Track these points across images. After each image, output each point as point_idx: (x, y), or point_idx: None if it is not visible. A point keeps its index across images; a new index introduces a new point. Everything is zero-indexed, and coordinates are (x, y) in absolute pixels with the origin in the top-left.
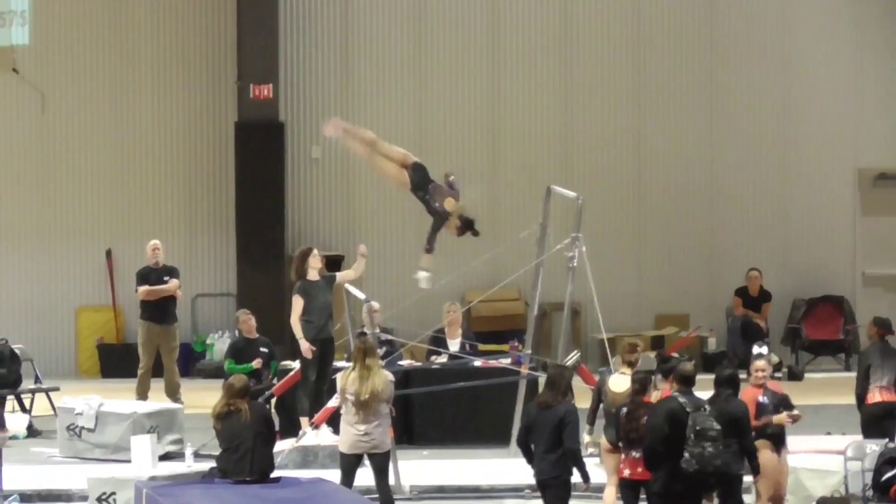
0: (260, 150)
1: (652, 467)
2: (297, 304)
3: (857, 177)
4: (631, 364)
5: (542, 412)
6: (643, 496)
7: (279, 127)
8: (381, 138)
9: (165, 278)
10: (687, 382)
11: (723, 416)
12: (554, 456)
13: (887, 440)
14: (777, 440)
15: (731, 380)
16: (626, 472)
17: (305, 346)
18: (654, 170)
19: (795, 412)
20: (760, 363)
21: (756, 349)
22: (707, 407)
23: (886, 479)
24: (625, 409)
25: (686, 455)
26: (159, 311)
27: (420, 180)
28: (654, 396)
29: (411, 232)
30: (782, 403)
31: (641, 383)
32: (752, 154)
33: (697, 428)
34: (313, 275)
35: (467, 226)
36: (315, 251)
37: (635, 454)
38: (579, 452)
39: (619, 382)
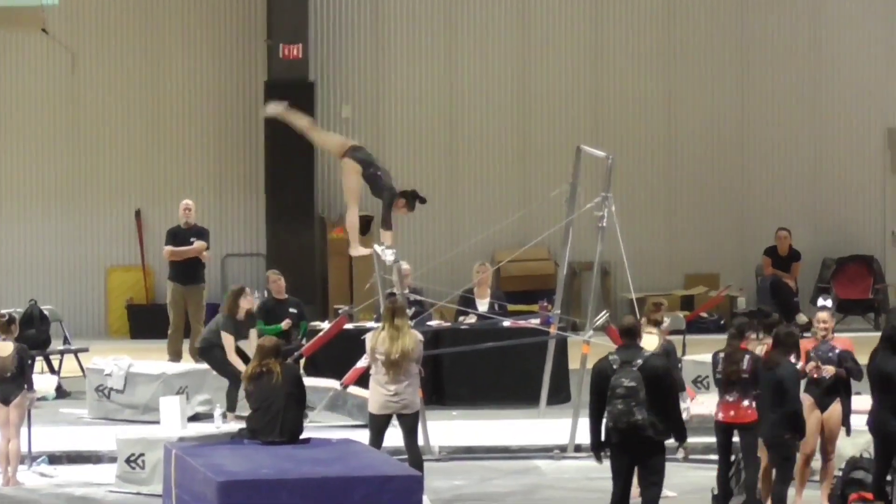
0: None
1: (591, 428)
2: (229, 340)
3: (888, 136)
4: (656, 323)
5: (767, 371)
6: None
7: (309, 86)
8: (316, 127)
9: (192, 239)
10: (627, 334)
11: (644, 374)
12: (775, 416)
13: None
14: (830, 393)
15: (627, 331)
16: (720, 416)
17: (240, 364)
18: (685, 129)
19: (829, 367)
20: (822, 314)
21: (820, 301)
22: (639, 361)
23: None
24: (723, 354)
25: (606, 412)
26: (185, 271)
27: (367, 157)
28: (756, 351)
29: (440, 192)
30: (842, 358)
31: (738, 328)
32: (783, 113)
33: (612, 385)
34: (241, 315)
35: (412, 198)
36: (247, 291)
37: (729, 398)
38: (800, 413)
39: (646, 341)
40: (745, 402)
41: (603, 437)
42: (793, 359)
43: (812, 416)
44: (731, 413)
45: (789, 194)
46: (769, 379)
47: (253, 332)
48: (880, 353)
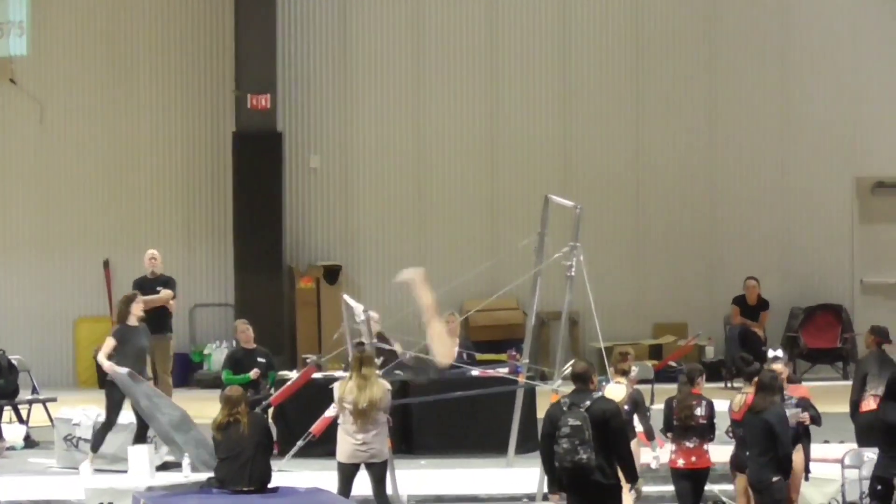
0: (258, 159)
1: (546, 472)
2: (109, 344)
3: (856, 185)
4: (623, 372)
5: (754, 416)
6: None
7: (277, 137)
8: (435, 311)
9: (158, 288)
10: (579, 379)
11: (592, 416)
12: (763, 460)
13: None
14: (793, 441)
15: (578, 376)
16: (681, 462)
17: (108, 365)
18: (654, 179)
19: (804, 414)
20: (777, 366)
21: (771, 353)
22: (587, 403)
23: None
24: (675, 401)
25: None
26: (152, 321)
27: None
28: (736, 400)
29: (408, 241)
30: (800, 406)
31: (689, 374)
32: (751, 162)
33: (558, 427)
34: (133, 321)
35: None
36: (139, 298)
37: (689, 444)
38: (790, 456)
39: (614, 391)
40: (705, 447)
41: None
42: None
43: None
44: (693, 459)
45: (758, 243)
46: (756, 424)
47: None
48: (885, 403)
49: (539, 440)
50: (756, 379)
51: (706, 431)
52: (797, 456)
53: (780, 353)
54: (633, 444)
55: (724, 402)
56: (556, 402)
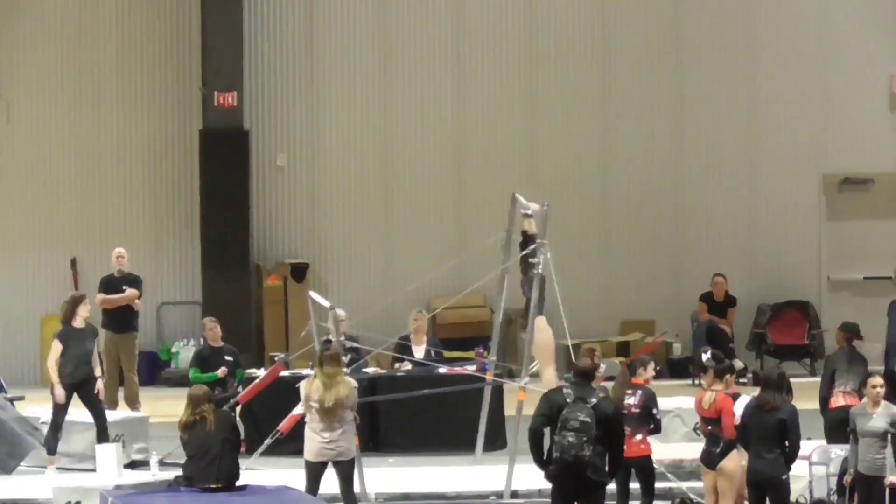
0: (225, 157)
1: (532, 449)
2: (56, 349)
3: (823, 181)
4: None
5: (766, 414)
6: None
7: (244, 135)
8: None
9: (124, 287)
10: (583, 376)
11: (597, 414)
12: (772, 457)
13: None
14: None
15: (583, 373)
16: None
17: (59, 393)
18: (620, 176)
19: None
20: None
21: (705, 357)
22: (593, 400)
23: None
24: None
25: (553, 442)
26: (117, 319)
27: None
28: (706, 398)
29: (375, 239)
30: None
31: (630, 365)
32: (718, 159)
33: (564, 418)
34: (79, 322)
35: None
36: (86, 299)
37: None
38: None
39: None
40: (638, 437)
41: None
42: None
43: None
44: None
45: (725, 240)
46: (767, 421)
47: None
48: None
49: (532, 420)
50: (765, 374)
51: (640, 421)
52: (737, 457)
53: (709, 353)
54: None
55: (690, 399)
56: (557, 389)
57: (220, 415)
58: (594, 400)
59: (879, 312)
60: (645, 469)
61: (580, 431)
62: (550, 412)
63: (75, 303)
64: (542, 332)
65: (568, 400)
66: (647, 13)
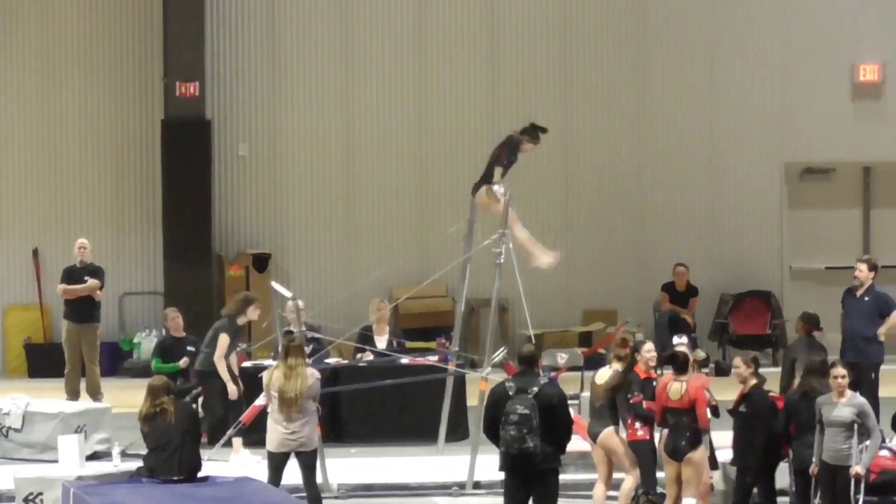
0: (187, 147)
1: (494, 443)
2: (224, 343)
3: (784, 171)
4: (621, 359)
5: (810, 401)
6: None
7: (206, 124)
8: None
9: (86, 278)
10: (526, 362)
11: (539, 402)
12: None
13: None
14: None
15: (525, 359)
16: None
17: (232, 389)
18: (582, 165)
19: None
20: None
21: (676, 339)
22: (534, 389)
23: None
24: None
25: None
26: (78, 310)
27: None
28: (674, 388)
29: (337, 229)
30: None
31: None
32: (680, 149)
33: (506, 412)
34: (242, 321)
35: (532, 131)
36: (257, 303)
37: None
38: None
39: (602, 375)
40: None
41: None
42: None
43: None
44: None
45: (686, 230)
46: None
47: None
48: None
49: (482, 420)
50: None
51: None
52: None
53: (684, 339)
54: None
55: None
56: (500, 384)
57: (180, 406)
58: (535, 389)
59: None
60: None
61: (520, 424)
62: (496, 407)
63: (247, 302)
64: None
65: (510, 392)
66: (610, 5)
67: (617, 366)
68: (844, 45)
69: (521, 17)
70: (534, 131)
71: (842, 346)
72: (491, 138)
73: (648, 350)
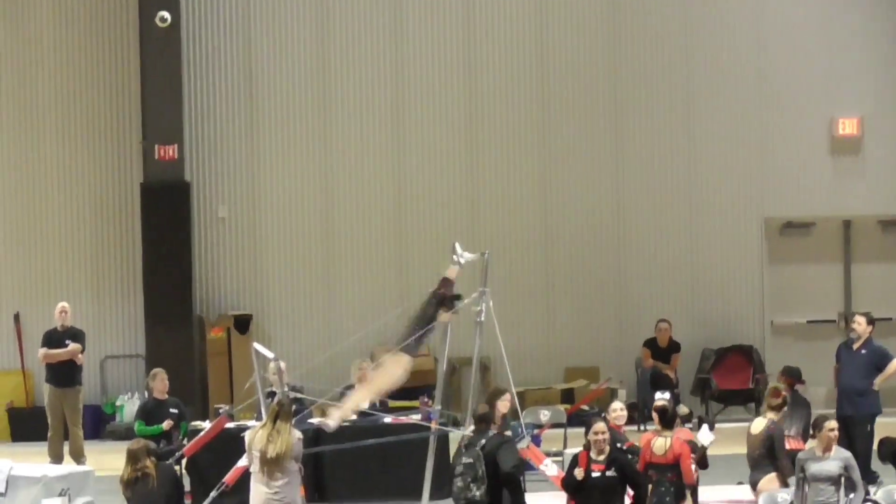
0: (166, 210)
1: None
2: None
3: (764, 226)
4: (775, 409)
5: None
6: None
7: (185, 187)
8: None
9: (67, 341)
10: (480, 421)
11: (485, 454)
12: None
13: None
14: None
15: (480, 418)
16: None
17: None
18: (562, 222)
19: None
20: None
21: (658, 395)
22: (482, 441)
23: None
24: None
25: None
26: (60, 373)
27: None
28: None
29: (318, 290)
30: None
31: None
32: (660, 205)
33: (453, 464)
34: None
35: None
36: (506, 396)
37: None
38: None
39: (757, 424)
40: None
41: None
42: None
43: None
44: None
45: (667, 286)
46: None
47: None
48: None
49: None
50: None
51: None
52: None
53: (667, 395)
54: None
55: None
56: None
57: (162, 470)
58: (483, 441)
59: (822, 356)
60: None
61: (464, 475)
62: (453, 462)
63: (495, 396)
64: (396, 365)
65: (462, 448)
66: (586, 59)
67: (772, 415)
68: (823, 99)
69: (498, 77)
70: (451, 301)
71: (837, 400)
72: (471, 198)
73: (614, 409)
